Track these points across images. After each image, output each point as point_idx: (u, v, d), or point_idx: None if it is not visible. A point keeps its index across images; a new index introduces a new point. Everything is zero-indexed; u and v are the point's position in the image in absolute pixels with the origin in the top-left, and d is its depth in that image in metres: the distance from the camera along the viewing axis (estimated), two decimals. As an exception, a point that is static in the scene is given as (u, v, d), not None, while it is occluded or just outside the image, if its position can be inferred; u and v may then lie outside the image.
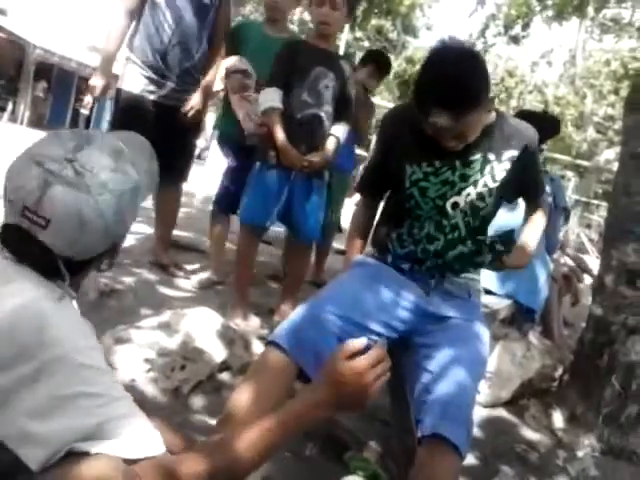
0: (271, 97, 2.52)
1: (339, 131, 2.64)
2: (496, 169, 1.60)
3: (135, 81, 2.94)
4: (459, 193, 1.61)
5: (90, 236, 0.93)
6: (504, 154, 1.61)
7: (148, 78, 2.93)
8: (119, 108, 3.01)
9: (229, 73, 2.92)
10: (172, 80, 2.96)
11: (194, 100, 3.03)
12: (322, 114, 2.56)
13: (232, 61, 2.96)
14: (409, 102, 1.55)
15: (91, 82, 2.91)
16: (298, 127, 2.52)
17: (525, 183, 1.74)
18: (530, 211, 1.90)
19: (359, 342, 1.02)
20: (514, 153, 1.61)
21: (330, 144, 2.61)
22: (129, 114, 2.92)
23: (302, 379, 1.45)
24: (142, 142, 1.13)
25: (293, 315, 1.51)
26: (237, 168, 3.08)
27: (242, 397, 1.36)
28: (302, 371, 1.42)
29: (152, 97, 2.95)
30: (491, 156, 1.59)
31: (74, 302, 1.01)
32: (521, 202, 1.99)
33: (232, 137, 3.07)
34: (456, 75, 1.36)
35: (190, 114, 3.02)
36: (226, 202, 3.14)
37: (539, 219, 1.87)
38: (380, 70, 3.95)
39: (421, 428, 1.34)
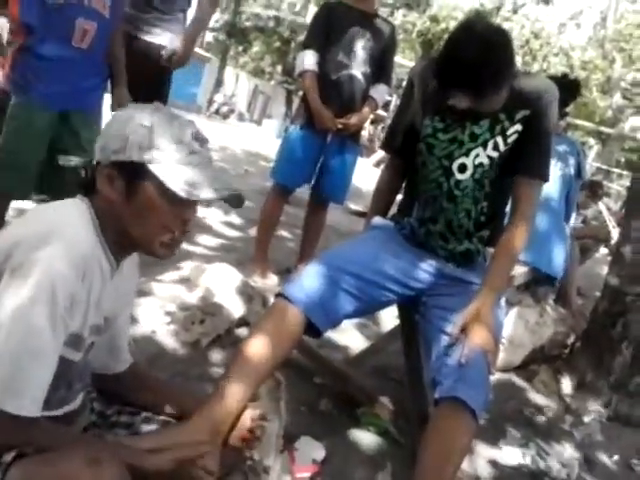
0: (306, 59, 2.51)
1: (377, 92, 2.62)
2: (507, 130, 1.50)
3: None
4: (467, 154, 1.52)
5: None
6: (516, 114, 1.50)
7: None
8: None
9: None
10: None
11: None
12: (358, 75, 2.54)
13: None
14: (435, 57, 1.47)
15: None
16: (334, 88, 2.52)
17: (527, 148, 1.52)
18: (518, 198, 1.55)
19: None
20: (526, 112, 1.50)
21: (367, 106, 2.60)
22: None
23: (311, 334, 1.47)
24: None
25: (307, 270, 1.51)
26: None
27: (251, 346, 1.37)
28: (311, 326, 1.43)
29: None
30: (502, 115, 1.49)
31: None
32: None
33: None
34: (478, 60, 1.30)
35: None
36: None
37: (517, 239, 1.55)
38: None
39: (439, 390, 1.37)
